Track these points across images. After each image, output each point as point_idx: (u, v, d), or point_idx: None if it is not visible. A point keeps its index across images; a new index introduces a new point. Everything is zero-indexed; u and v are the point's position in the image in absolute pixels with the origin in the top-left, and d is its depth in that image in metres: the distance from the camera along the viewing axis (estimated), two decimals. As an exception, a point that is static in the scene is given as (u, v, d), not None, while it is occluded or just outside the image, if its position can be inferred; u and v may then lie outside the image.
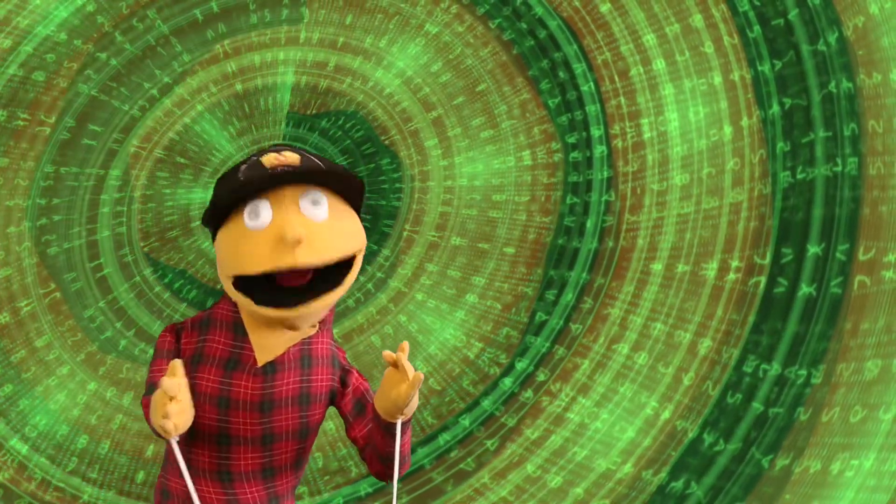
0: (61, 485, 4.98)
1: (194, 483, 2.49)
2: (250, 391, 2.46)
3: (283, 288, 2.39)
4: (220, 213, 2.42)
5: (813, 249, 3.99)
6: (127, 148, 5.67)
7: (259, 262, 2.32)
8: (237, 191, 2.36)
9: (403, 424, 2.44)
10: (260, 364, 2.49)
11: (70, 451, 5.11)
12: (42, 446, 5.09)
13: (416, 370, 2.32)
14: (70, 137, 5.49)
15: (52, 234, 5.52)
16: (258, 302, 2.38)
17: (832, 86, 3.99)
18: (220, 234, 2.45)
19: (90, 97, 5.47)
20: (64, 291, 5.47)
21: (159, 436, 2.28)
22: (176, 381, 2.12)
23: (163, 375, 2.43)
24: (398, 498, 4.79)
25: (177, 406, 2.14)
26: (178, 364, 2.14)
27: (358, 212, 2.55)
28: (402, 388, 2.31)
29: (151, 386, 2.47)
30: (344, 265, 2.44)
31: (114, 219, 5.70)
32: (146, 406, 2.41)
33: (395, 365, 2.34)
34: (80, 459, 5.10)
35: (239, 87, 5.79)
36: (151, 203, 5.79)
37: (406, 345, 2.37)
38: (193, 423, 2.41)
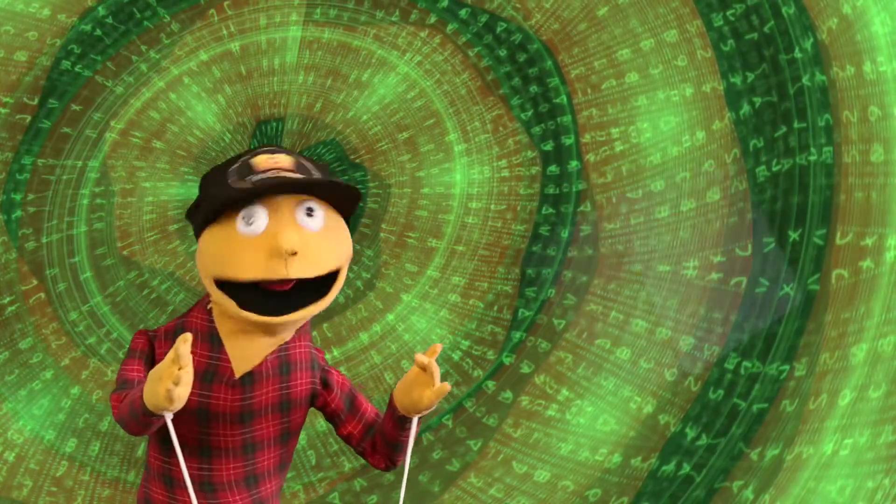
0: (54, 489, 4.74)
1: (176, 496, 2.39)
2: (229, 403, 2.34)
3: (267, 292, 2.25)
4: (210, 215, 2.28)
5: (793, 236, 3.85)
6: (104, 131, 5.44)
7: (250, 270, 2.19)
8: (234, 198, 2.21)
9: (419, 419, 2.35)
10: (237, 375, 2.35)
11: (60, 456, 4.87)
12: (30, 452, 4.83)
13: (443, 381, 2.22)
14: (50, 125, 5.24)
15: (28, 228, 5.28)
16: (242, 305, 2.25)
17: (806, 79, 3.88)
18: (207, 234, 2.31)
19: (73, 73, 5.21)
20: (48, 292, 5.22)
21: (145, 419, 2.09)
22: (188, 351, 1.96)
23: (136, 374, 2.32)
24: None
25: (186, 376, 1.97)
26: (189, 337, 1.96)
27: (348, 220, 2.44)
28: (427, 393, 2.20)
29: (124, 382, 2.32)
30: (329, 276, 2.34)
31: (92, 213, 5.46)
32: (117, 400, 2.27)
33: (424, 368, 2.22)
34: (71, 463, 4.86)
35: (236, 47, 5.59)
36: (131, 198, 5.55)
37: (438, 347, 2.23)
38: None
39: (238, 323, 2.33)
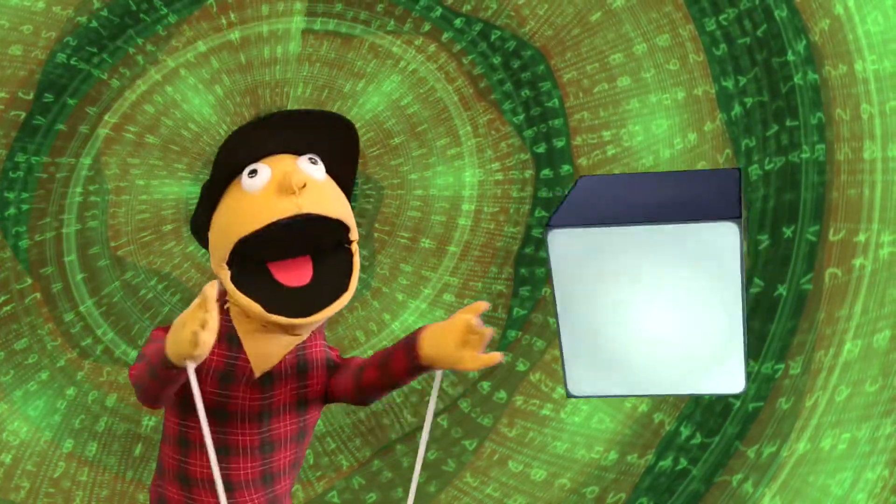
0: (52, 490, 4.65)
1: (192, 494, 2.28)
2: (248, 402, 2.23)
3: (287, 290, 2.13)
4: (216, 188, 2.17)
5: (786, 233, 3.80)
6: (98, 126, 5.38)
7: (262, 215, 2.04)
8: (232, 153, 2.12)
9: None
10: (257, 375, 2.23)
11: (56, 457, 4.78)
12: (26, 454, 4.75)
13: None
14: (44, 122, 5.20)
15: (22, 226, 5.23)
16: (268, 309, 2.10)
17: (798, 78, 3.85)
18: (215, 217, 2.18)
19: (69, 67, 5.19)
20: (44, 292, 5.15)
21: (164, 372, 1.97)
22: (215, 296, 1.82)
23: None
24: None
25: (213, 321, 1.81)
26: (216, 282, 1.85)
27: (349, 196, 2.29)
28: (469, 357, 1.91)
29: (143, 356, 2.16)
30: (344, 264, 2.19)
31: (86, 211, 5.39)
32: (134, 368, 2.16)
33: (474, 332, 1.91)
34: (68, 463, 4.77)
35: (236, 36, 5.53)
36: (125, 195, 5.48)
37: (484, 305, 1.94)
38: (189, 434, 2.23)
39: (257, 322, 2.22)
